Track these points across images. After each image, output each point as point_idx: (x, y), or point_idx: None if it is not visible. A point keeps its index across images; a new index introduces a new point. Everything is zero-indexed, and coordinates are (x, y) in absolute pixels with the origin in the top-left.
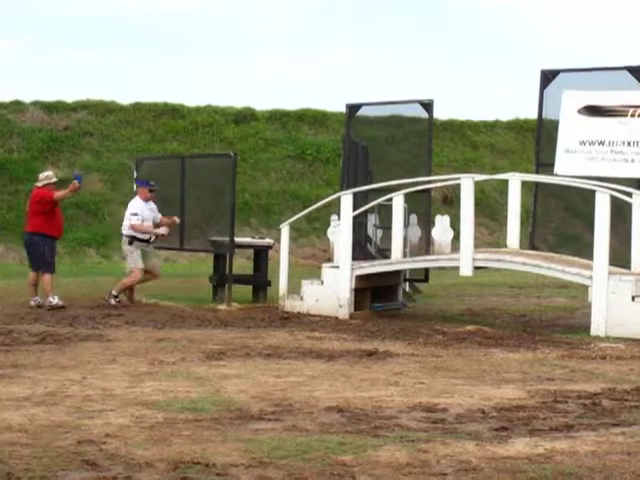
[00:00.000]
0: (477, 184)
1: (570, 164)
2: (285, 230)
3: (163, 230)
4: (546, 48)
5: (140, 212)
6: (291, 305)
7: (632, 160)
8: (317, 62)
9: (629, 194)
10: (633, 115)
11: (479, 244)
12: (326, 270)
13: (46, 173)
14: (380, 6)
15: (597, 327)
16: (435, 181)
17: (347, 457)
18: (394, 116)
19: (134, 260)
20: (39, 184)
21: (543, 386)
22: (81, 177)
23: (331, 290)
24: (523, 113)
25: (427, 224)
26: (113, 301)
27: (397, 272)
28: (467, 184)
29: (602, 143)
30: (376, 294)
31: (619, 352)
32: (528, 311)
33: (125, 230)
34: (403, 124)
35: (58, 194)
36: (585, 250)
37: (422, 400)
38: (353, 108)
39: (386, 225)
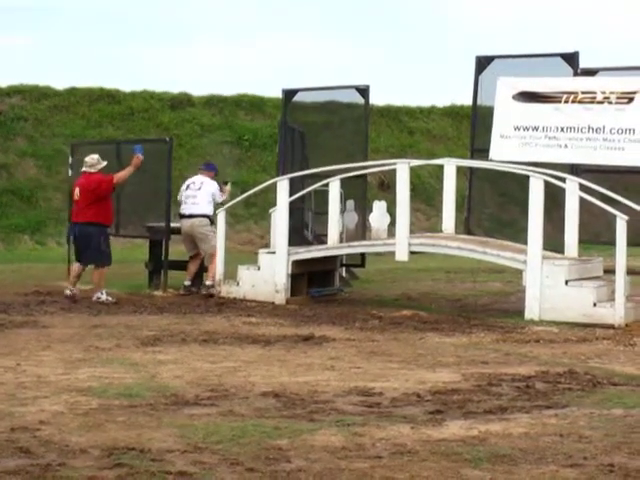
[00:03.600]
0: (413, 170)
1: (505, 150)
2: (221, 216)
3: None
4: (481, 34)
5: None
6: (227, 291)
7: (566, 146)
8: (253, 47)
9: (563, 179)
10: (567, 101)
11: (416, 229)
12: (262, 256)
13: (94, 156)
14: None
15: (531, 311)
16: (371, 166)
17: (282, 441)
18: (330, 102)
19: (215, 239)
20: (91, 170)
21: (477, 369)
22: (141, 147)
23: (268, 275)
24: (459, 99)
25: (363, 210)
26: (214, 290)
27: (334, 257)
28: (402, 169)
29: (536, 129)
30: (313, 279)
31: (552, 336)
32: (463, 296)
33: (203, 210)
34: (339, 110)
35: (120, 175)
36: (520, 235)
37: (358, 384)
38: (289, 93)
39: (322, 211)
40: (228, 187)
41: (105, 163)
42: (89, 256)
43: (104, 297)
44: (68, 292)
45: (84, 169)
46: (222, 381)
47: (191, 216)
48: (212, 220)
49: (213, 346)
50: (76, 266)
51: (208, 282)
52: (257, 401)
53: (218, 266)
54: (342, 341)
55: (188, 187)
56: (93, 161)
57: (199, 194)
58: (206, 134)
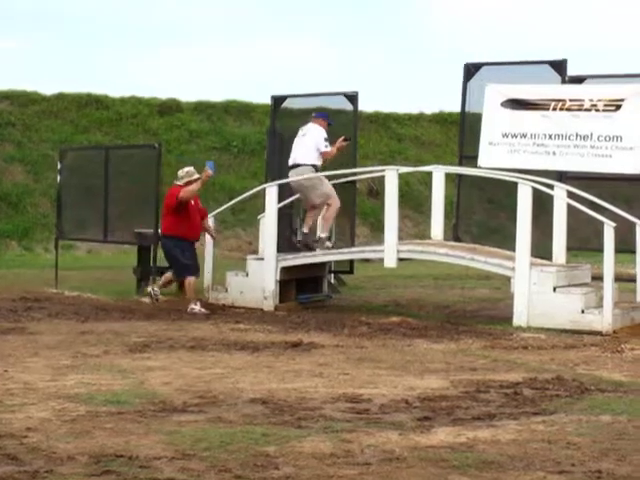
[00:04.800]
0: (402, 176)
1: (493, 156)
2: (210, 222)
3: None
4: (470, 41)
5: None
6: (216, 297)
7: (554, 153)
8: (242, 53)
9: (551, 186)
10: (555, 108)
11: (404, 236)
12: (251, 262)
13: (186, 169)
14: None
15: (519, 317)
16: (360, 173)
17: (271, 448)
18: (320, 108)
19: (326, 188)
20: (177, 182)
21: (466, 376)
22: (214, 164)
23: (256, 282)
24: (447, 106)
25: (352, 216)
26: (329, 243)
27: (322, 264)
28: (391, 176)
29: (524, 136)
30: (301, 286)
31: (540, 342)
32: (452, 302)
33: (307, 159)
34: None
35: (187, 190)
36: (508, 242)
37: (346, 391)
38: (278, 100)
39: None
40: (343, 144)
41: (196, 176)
42: (172, 268)
43: (197, 308)
44: (150, 290)
45: (175, 182)
46: (210, 387)
47: (294, 166)
48: (317, 169)
49: (201, 352)
50: (168, 273)
51: (322, 234)
52: (245, 408)
53: (206, 273)
54: (330, 347)
55: (297, 134)
56: (182, 174)
57: (303, 141)
58: (195, 140)
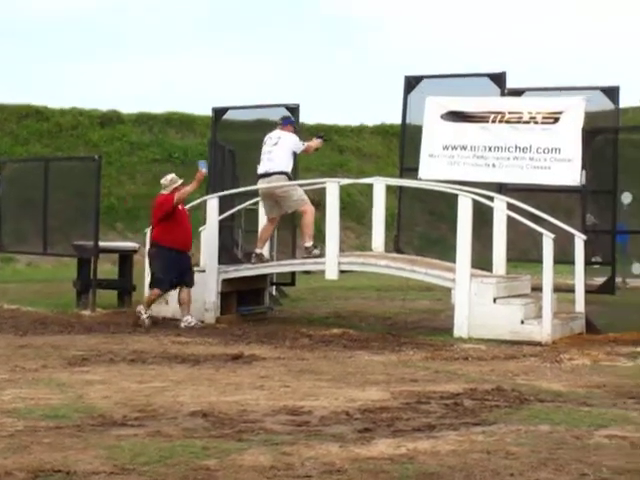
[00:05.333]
0: (343, 188)
1: (433, 168)
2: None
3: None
4: (411, 54)
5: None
6: (156, 310)
7: (493, 165)
8: (184, 65)
9: (491, 198)
10: (494, 121)
11: (346, 247)
12: None
13: (168, 177)
14: (246, 10)
15: (460, 329)
16: (301, 185)
17: (211, 462)
18: (261, 120)
19: (300, 194)
20: (165, 191)
21: (407, 387)
22: (205, 162)
23: (197, 294)
24: (389, 118)
25: (294, 228)
26: (317, 251)
27: (263, 276)
28: (332, 188)
29: (464, 148)
30: (242, 298)
31: (481, 353)
32: (393, 314)
33: (281, 167)
34: (270, 128)
35: (182, 192)
36: (450, 253)
37: (287, 403)
38: (219, 111)
39: (252, 229)
40: (319, 140)
41: (180, 182)
42: (155, 278)
43: (144, 316)
44: (183, 324)
45: (161, 191)
46: (150, 401)
47: (267, 174)
48: (290, 177)
49: (141, 366)
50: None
51: (307, 244)
52: (185, 421)
53: (146, 285)
54: (272, 360)
55: (265, 143)
56: (166, 182)
57: (275, 149)
58: (136, 152)
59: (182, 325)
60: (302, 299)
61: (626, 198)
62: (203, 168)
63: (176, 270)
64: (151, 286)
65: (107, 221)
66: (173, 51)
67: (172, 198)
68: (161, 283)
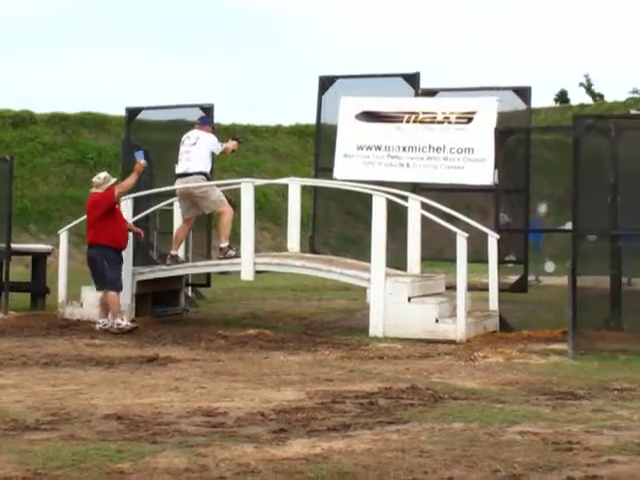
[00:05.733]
0: (259, 188)
1: (348, 168)
2: (64, 236)
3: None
4: (326, 54)
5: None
6: (71, 312)
7: (408, 165)
8: (97, 65)
9: (405, 198)
10: (408, 121)
11: (262, 248)
12: None
13: (101, 175)
14: (160, 9)
15: (375, 328)
16: (217, 186)
17: (125, 465)
18: (176, 120)
19: (219, 195)
20: (99, 190)
21: (322, 387)
22: (143, 153)
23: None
24: (304, 118)
25: (209, 228)
26: (232, 252)
27: (179, 277)
28: (247, 188)
29: (379, 148)
30: (158, 299)
31: (396, 352)
32: (309, 314)
33: (199, 167)
34: (185, 128)
35: (123, 184)
36: (366, 253)
37: (202, 405)
38: (133, 112)
39: (167, 230)
40: (234, 142)
41: (114, 180)
42: (95, 280)
43: (124, 323)
44: (98, 326)
45: (92, 190)
46: (64, 405)
47: (185, 174)
48: (208, 177)
49: (55, 369)
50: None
51: (222, 244)
52: (99, 424)
53: (60, 287)
54: (187, 361)
55: (183, 142)
56: (99, 180)
57: (194, 149)
58: (49, 153)
59: (108, 328)
60: (218, 300)
61: (542, 208)
62: (141, 159)
63: (121, 268)
64: (103, 289)
65: (20, 223)
66: (87, 51)
67: (112, 193)
68: (116, 283)
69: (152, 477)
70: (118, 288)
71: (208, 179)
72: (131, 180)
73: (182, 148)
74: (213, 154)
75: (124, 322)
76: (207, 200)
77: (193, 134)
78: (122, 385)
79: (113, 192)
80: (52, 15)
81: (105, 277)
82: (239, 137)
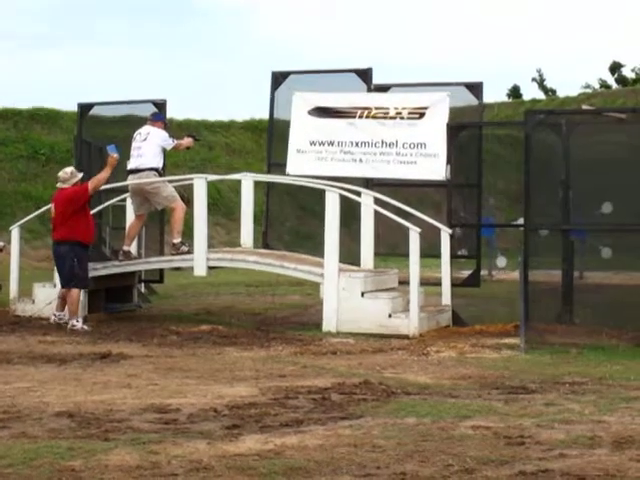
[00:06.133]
0: (213, 184)
1: (301, 164)
2: (15, 232)
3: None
4: (279, 49)
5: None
6: (22, 309)
7: (360, 160)
8: (49, 60)
9: (358, 193)
10: (361, 116)
11: (216, 243)
12: None
13: (67, 170)
14: (111, 4)
15: (328, 323)
16: (170, 181)
17: (76, 462)
18: (129, 116)
19: (171, 191)
20: (65, 185)
21: (275, 383)
22: (115, 147)
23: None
24: (258, 113)
25: (162, 224)
26: (185, 247)
27: (132, 273)
28: (200, 184)
29: (332, 144)
30: (111, 295)
31: (349, 347)
32: (263, 309)
33: (150, 163)
34: (138, 124)
35: (97, 179)
36: (320, 248)
37: (155, 401)
38: (85, 107)
39: (120, 226)
40: (190, 139)
41: (81, 175)
42: (60, 276)
43: (79, 325)
44: (53, 319)
45: (58, 185)
46: (15, 402)
47: (137, 170)
48: (160, 173)
49: (6, 366)
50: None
51: (175, 240)
52: (51, 422)
53: (12, 284)
54: (140, 358)
55: (134, 139)
56: (66, 175)
57: (144, 145)
58: (0, 148)
59: (62, 323)
60: (171, 296)
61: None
62: (114, 153)
63: (87, 266)
64: (67, 286)
65: None
66: (38, 45)
67: (86, 189)
68: (83, 281)
69: (104, 474)
70: (85, 286)
71: (160, 175)
72: (105, 174)
73: (133, 144)
74: (164, 150)
75: (79, 324)
76: (159, 196)
77: (144, 130)
78: (74, 382)
79: (87, 187)
80: (4, 10)
81: (73, 274)
82: (195, 134)
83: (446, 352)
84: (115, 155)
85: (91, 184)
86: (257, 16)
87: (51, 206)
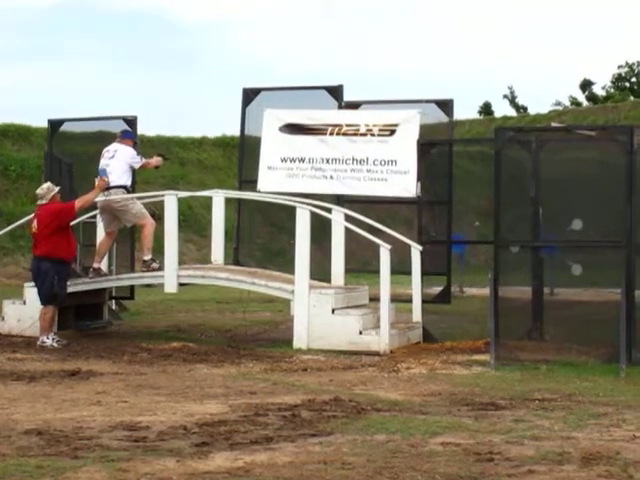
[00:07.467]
0: (184, 200)
1: (272, 181)
2: None
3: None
4: (250, 66)
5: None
6: None
7: (331, 177)
8: (19, 77)
9: (329, 210)
10: (332, 133)
11: (188, 260)
12: (28, 289)
13: (44, 186)
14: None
15: (299, 340)
16: (140, 198)
17: None
18: (100, 132)
19: (139, 208)
20: (44, 201)
21: (245, 400)
22: (105, 171)
23: (34, 310)
24: (230, 130)
25: (132, 241)
26: (156, 264)
27: (102, 290)
28: (170, 201)
29: (303, 160)
30: (81, 312)
31: (320, 364)
32: (234, 326)
33: (118, 181)
34: (108, 140)
35: (84, 199)
36: (291, 264)
37: (124, 419)
38: (55, 123)
39: (90, 243)
40: (159, 159)
41: (58, 189)
42: (42, 295)
43: (49, 342)
44: (49, 342)
45: (38, 202)
46: None
47: (105, 188)
48: (129, 190)
49: None
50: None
51: (145, 257)
52: (20, 439)
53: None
54: (110, 375)
55: (103, 156)
56: (43, 192)
57: (112, 163)
58: None
59: (39, 343)
60: (142, 313)
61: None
62: (105, 176)
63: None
64: (46, 304)
65: None
66: (8, 61)
67: (72, 207)
68: (59, 298)
69: None
70: (62, 303)
71: (128, 192)
72: (92, 195)
73: (102, 161)
74: (133, 168)
75: (49, 341)
76: (128, 213)
77: (112, 147)
78: (43, 400)
79: (74, 206)
80: None
81: (52, 292)
82: (164, 154)
83: (417, 369)
84: (106, 179)
85: (78, 202)
86: (229, 33)
87: (33, 222)
